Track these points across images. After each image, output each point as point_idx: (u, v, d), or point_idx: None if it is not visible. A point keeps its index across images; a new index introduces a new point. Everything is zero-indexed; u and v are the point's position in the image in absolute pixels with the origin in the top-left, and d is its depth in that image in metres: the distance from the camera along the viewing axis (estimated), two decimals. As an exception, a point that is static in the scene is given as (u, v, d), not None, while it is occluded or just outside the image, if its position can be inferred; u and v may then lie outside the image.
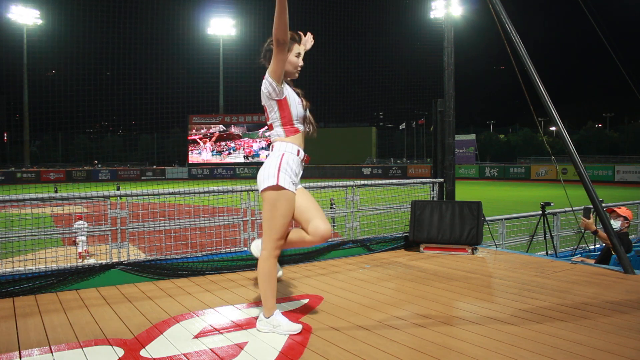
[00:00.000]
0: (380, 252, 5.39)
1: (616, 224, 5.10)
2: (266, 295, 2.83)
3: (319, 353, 2.55)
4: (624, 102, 56.47)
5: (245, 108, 40.18)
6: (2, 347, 2.66)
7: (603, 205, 4.70)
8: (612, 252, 4.63)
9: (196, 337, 2.82)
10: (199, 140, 41.15)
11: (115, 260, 4.12)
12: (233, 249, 4.68)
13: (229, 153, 41.27)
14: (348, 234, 5.31)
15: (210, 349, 2.63)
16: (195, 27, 40.55)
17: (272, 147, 2.91)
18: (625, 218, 5.23)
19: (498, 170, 36.19)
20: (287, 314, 3.11)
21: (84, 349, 2.64)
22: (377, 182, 5.75)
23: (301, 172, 2.95)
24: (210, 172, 38.33)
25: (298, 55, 2.88)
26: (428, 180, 6.01)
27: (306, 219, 2.86)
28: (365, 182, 5.55)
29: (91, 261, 4.34)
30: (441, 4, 22.63)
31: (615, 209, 5.32)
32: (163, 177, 36.72)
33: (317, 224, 2.83)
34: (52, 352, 2.59)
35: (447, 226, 5.30)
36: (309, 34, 3.06)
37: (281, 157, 2.82)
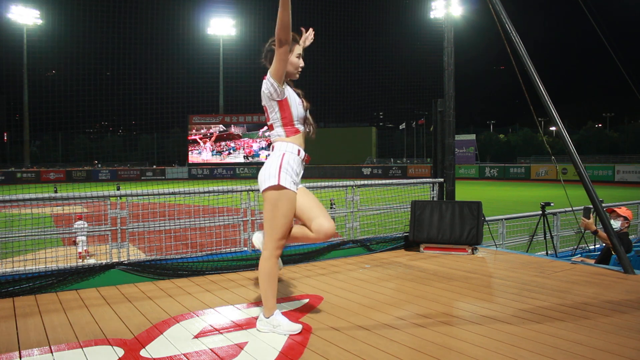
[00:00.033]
0: (380, 252, 5.39)
1: (616, 224, 5.10)
2: (267, 295, 2.83)
3: (319, 353, 2.55)
4: (624, 102, 56.47)
5: (245, 108, 40.21)
6: (2, 347, 2.66)
7: (603, 205, 4.70)
8: (612, 252, 4.63)
9: (196, 337, 2.82)
10: (199, 140, 41.16)
11: (115, 260, 4.12)
12: (233, 249, 4.68)
13: (229, 153, 41.28)
14: (348, 234, 5.31)
15: (210, 349, 2.63)
16: (195, 27, 40.60)
17: (273, 147, 2.91)
18: (625, 218, 5.23)
19: (498, 170, 36.19)
20: (287, 314, 3.12)
21: (84, 349, 2.64)
22: (377, 182, 5.75)
23: (302, 172, 2.96)
24: (210, 172, 38.33)
25: (299, 56, 2.88)
26: (428, 180, 6.01)
27: (310, 217, 2.87)
28: (365, 182, 5.55)
29: (91, 261, 4.34)
30: (441, 4, 22.63)
31: (615, 209, 5.32)
32: (163, 177, 36.72)
33: (321, 222, 2.84)
34: (52, 352, 2.59)
35: (447, 226, 5.30)
36: (310, 30, 3.06)
37: (282, 157, 2.82)
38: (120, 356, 2.54)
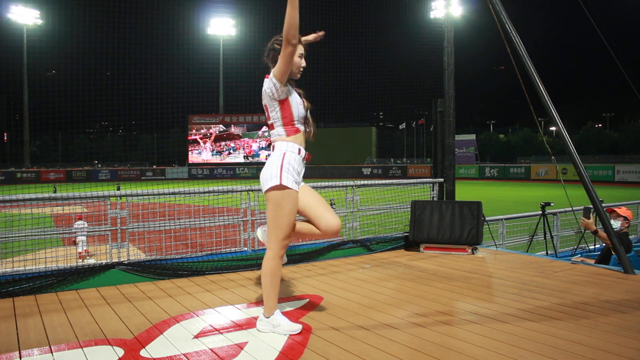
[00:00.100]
0: (380, 252, 5.39)
1: (616, 224, 5.10)
2: (268, 294, 2.84)
3: (319, 353, 2.55)
4: (624, 102, 56.47)
5: (245, 108, 40.22)
6: (2, 347, 2.66)
7: (603, 205, 4.69)
8: (612, 252, 4.63)
9: (196, 337, 2.82)
10: (199, 140, 41.16)
11: (115, 260, 4.12)
12: (233, 249, 4.68)
13: (229, 153, 41.28)
14: (348, 234, 5.31)
15: (210, 349, 2.63)
16: (195, 27, 40.61)
17: (273, 147, 2.91)
18: (625, 218, 5.23)
19: (498, 170, 36.19)
20: (287, 314, 3.12)
21: (84, 349, 2.64)
22: (377, 182, 5.75)
23: (303, 171, 2.96)
24: (210, 172, 38.33)
25: (301, 55, 2.89)
26: (428, 180, 6.01)
27: (316, 215, 2.90)
28: (365, 182, 5.55)
29: (91, 261, 4.34)
30: (441, 4, 22.63)
31: (615, 209, 5.32)
32: (163, 177, 36.72)
33: (328, 219, 2.89)
34: (52, 352, 2.59)
35: (447, 226, 5.30)
36: (322, 32, 3.06)
37: (283, 157, 2.82)
38: (120, 356, 2.54)
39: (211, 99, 43.13)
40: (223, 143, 41.31)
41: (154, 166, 42.86)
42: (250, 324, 3.01)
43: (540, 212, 6.65)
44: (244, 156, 41.02)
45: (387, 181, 5.87)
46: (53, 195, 4.09)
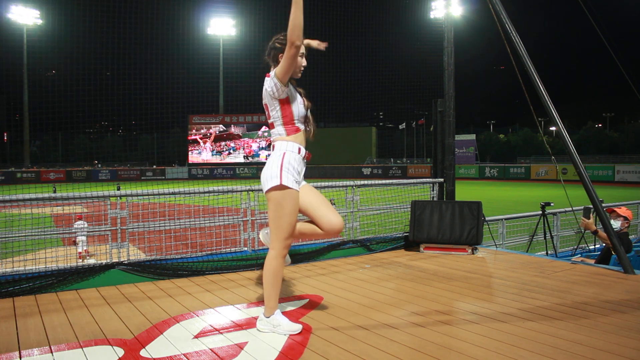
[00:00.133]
0: (380, 252, 5.39)
1: (616, 224, 5.10)
2: (269, 294, 2.84)
3: (319, 353, 2.55)
4: (624, 102, 56.46)
5: (245, 108, 40.20)
6: (2, 347, 2.66)
7: (603, 205, 4.69)
8: (612, 252, 4.63)
9: (196, 337, 2.82)
10: (199, 140, 41.16)
11: (115, 260, 4.12)
12: (233, 249, 4.68)
13: (229, 153, 41.28)
14: (348, 234, 5.31)
15: (210, 349, 2.63)
16: (195, 27, 40.59)
17: (273, 146, 2.92)
18: (625, 218, 5.23)
19: (498, 170, 36.18)
20: (287, 313, 3.12)
21: (84, 349, 2.64)
22: (377, 182, 5.75)
23: (304, 170, 2.96)
24: (210, 172, 38.33)
25: (302, 55, 2.89)
26: (428, 180, 6.01)
27: (318, 215, 2.91)
28: (365, 182, 5.55)
29: (91, 261, 4.34)
30: (441, 4, 22.63)
31: (615, 209, 5.32)
32: (163, 177, 36.71)
33: (331, 219, 2.90)
34: (52, 352, 2.59)
35: (447, 226, 5.30)
36: (325, 43, 3.06)
37: (282, 157, 2.83)
38: (120, 356, 2.54)
39: (211, 99, 43.15)
40: (223, 143, 41.30)
41: (154, 166, 42.85)
42: (250, 324, 3.01)
43: (540, 212, 6.65)
44: (244, 156, 41.02)
45: (387, 181, 5.87)
46: (53, 195, 4.09)
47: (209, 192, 4.62)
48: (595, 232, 5.03)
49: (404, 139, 58.15)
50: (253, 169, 37.49)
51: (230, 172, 38.21)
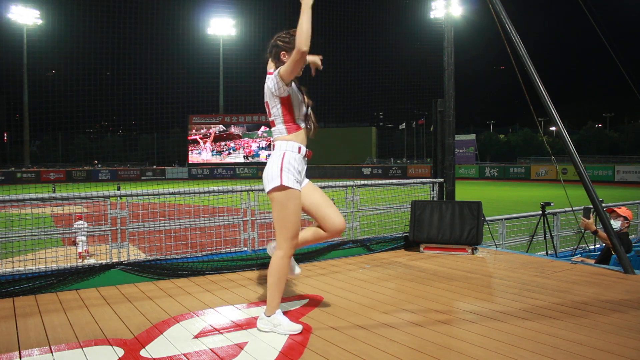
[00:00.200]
0: (380, 252, 5.39)
1: (616, 224, 5.10)
2: (273, 293, 2.84)
3: (319, 353, 2.55)
4: (624, 102, 56.42)
5: (245, 108, 40.18)
6: (2, 347, 2.66)
7: (603, 205, 4.69)
8: (612, 252, 4.63)
9: (196, 337, 2.82)
10: (199, 140, 41.16)
11: (115, 260, 4.12)
12: (233, 249, 4.68)
13: (229, 153, 41.28)
14: (348, 234, 5.31)
15: (210, 349, 2.63)
16: (195, 27, 40.58)
17: (274, 146, 2.93)
18: (625, 218, 5.23)
19: (498, 170, 36.18)
20: (287, 313, 3.11)
21: (84, 349, 2.64)
22: (377, 182, 5.75)
23: (305, 168, 2.97)
24: (210, 172, 38.33)
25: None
26: (428, 180, 6.01)
27: (321, 216, 2.94)
28: (365, 182, 5.55)
29: (91, 261, 4.34)
30: (441, 4, 22.61)
31: (615, 209, 5.32)
32: (163, 177, 36.71)
33: (334, 220, 2.94)
34: (52, 352, 2.59)
35: (447, 226, 5.30)
36: (320, 67, 3.06)
37: (282, 157, 2.83)
38: (120, 356, 2.54)
39: (211, 99, 43.14)
40: (223, 143, 41.30)
41: (154, 166, 42.85)
42: (250, 324, 3.01)
43: (540, 212, 6.65)
44: (244, 156, 41.01)
45: (387, 181, 5.87)
46: (53, 195, 4.09)
47: (209, 192, 4.62)
48: (595, 232, 5.03)
49: (404, 139, 58.15)
50: (253, 169, 37.50)
51: (230, 172, 38.21)
